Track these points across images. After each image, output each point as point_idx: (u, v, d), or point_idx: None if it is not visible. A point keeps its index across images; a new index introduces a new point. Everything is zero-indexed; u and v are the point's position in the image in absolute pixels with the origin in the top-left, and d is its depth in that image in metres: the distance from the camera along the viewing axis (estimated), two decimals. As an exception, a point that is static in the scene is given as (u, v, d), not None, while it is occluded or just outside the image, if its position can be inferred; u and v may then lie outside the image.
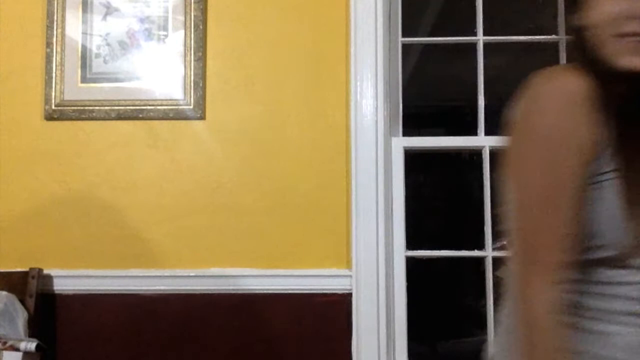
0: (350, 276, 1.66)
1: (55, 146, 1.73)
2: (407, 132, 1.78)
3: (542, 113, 0.81)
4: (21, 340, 1.47)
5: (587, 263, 0.84)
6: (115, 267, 1.69)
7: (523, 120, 0.84)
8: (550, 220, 0.81)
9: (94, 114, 1.72)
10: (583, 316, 0.85)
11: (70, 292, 1.69)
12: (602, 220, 0.82)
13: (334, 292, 1.67)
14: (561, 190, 0.80)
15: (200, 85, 1.71)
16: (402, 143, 1.72)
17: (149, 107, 1.72)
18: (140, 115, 1.72)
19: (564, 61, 1.74)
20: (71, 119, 1.73)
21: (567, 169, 0.80)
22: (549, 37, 1.79)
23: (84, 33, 1.74)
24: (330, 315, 1.67)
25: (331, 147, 1.71)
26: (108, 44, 1.74)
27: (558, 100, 0.80)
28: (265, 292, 1.68)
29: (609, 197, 0.81)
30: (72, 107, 1.73)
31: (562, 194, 0.80)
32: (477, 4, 1.77)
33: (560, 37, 1.76)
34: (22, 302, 1.60)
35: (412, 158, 1.76)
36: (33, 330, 1.58)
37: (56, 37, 1.73)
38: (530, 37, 1.84)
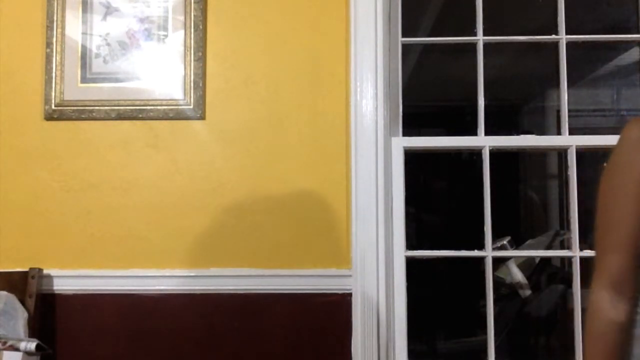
0: (350, 276, 1.66)
1: (55, 146, 1.73)
2: (407, 132, 1.78)
3: (615, 153, 1.06)
4: (21, 340, 1.47)
5: None
6: (115, 267, 1.70)
7: (609, 159, 1.08)
8: (610, 235, 1.03)
9: (94, 114, 1.73)
10: None
11: (70, 292, 1.69)
12: None
13: (334, 292, 1.67)
14: (620, 210, 1.02)
15: (200, 85, 1.71)
16: (402, 143, 1.72)
17: (149, 107, 1.72)
18: (140, 115, 1.72)
19: (564, 61, 1.74)
20: (71, 119, 1.73)
21: (626, 194, 1.02)
22: (549, 37, 1.79)
23: (84, 33, 1.74)
24: (330, 315, 1.67)
25: (331, 147, 1.71)
26: (108, 44, 1.74)
27: (625, 144, 1.04)
28: (265, 292, 1.68)
29: None
30: (72, 107, 1.73)
31: (621, 213, 1.02)
32: (477, 4, 1.77)
33: (560, 37, 1.76)
34: (22, 302, 1.60)
35: (412, 158, 1.76)
36: (33, 330, 1.58)
37: (56, 37, 1.73)
38: (530, 37, 1.84)
